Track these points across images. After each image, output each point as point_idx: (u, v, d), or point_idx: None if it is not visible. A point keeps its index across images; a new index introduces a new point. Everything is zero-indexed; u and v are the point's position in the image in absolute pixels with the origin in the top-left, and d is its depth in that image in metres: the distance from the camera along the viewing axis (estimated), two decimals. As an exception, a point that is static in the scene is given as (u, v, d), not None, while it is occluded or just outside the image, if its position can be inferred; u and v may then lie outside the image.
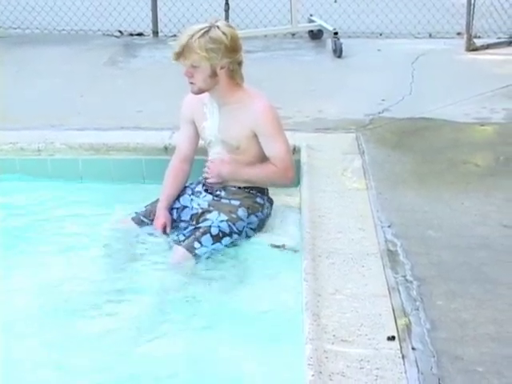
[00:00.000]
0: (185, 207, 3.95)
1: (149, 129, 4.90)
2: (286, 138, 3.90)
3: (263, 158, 3.89)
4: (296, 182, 4.09)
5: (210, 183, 3.94)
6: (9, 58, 6.81)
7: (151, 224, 3.90)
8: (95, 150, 4.58)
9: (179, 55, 3.67)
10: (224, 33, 3.65)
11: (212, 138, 3.91)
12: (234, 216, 3.78)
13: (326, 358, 2.64)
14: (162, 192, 3.96)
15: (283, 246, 3.73)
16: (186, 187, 4.02)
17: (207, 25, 3.67)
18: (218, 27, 3.66)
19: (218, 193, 3.92)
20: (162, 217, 3.88)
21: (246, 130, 3.81)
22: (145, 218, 3.92)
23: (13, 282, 3.57)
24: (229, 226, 3.75)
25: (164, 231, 3.87)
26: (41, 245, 3.90)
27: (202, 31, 3.63)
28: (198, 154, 4.06)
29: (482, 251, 3.39)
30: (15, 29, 7.86)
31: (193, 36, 3.62)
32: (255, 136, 3.82)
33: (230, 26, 3.75)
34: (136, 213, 3.96)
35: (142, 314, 3.31)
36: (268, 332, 3.12)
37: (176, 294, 3.45)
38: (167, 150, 4.46)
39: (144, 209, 3.98)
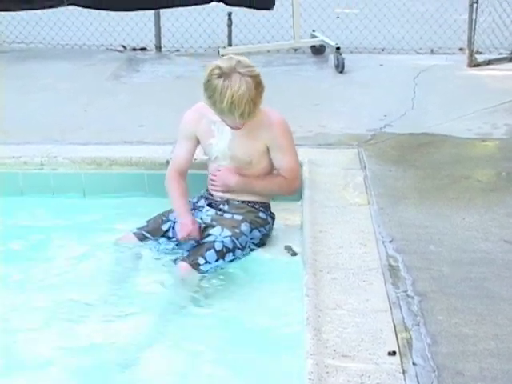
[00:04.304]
0: (186, 221, 3.95)
1: (151, 143, 4.93)
2: (295, 149, 3.97)
3: (270, 171, 3.95)
4: (298, 196, 4.11)
5: (216, 191, 3.96)
6: (12, 72, 6.84)
7: (153, 239, 3.90)
8: (98, 164, 4.59)
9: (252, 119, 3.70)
10: (257, 73, 3.65)
11: (219, 155, 3.92)
12: (237, 231, 3.80)
13: (327, 372, 2.65)
14: (176, 202, 3.89)
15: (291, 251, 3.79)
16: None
17: (238, 76, 3.58)
18: (250, 74, 3.61)
19: (221, 207, 3.93)
20: (190, 222, 3.80)
21: (260, 145, 3.86)
22: (147, 234, 3.91)
23: (15, 295, 3.59)
24: (232, 241, 3.75)
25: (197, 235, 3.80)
26: (43, 259, 3.90)
27: (249, 86, 3.59)
28: (196, 168, 4.08)
29: (484, 266, 3.40)
30: (19, 43, 7.88)
31: (250, 98, 3.59)
32: (267, 150, 3.87)
33: (246, 59, 3.71)
34: (137, 228, 3.95)
35: (144, 328, 3.32)
36: (269, 346, 3.13)
37: (179, 308, 3.46)
38: (169, 164, 4.47)
39: (146, 223, 3.97)
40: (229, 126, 3.81)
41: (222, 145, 3.89)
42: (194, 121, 3.96)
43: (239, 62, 3.65)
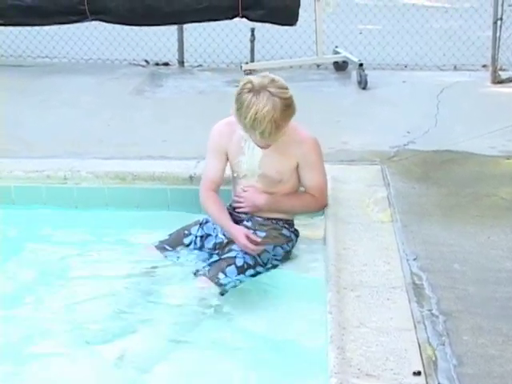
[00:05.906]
0: (208, 235, 3.94)
1: (174, 158, 4.93)
2: (325, 168, 3.97)
3: (296, 189, 3.95)
4: (320, 212, 4.10)
5: (242, 212, 3.93)
6: (36, 87, 6.89)
7: (174, 252, 3.90)
8: (121, 179, 4.60)
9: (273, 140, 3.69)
10: (288, 96, 3.63)
11: (248, 173, 3.89)
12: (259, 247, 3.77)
13: (351, 392, 2.62)
14: (218, 216, 3.83)
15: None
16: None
17: (266, 94, 3.56)
18: (280, 95, 3.58)
19: (244, 223, 3.91)
20: (239, 230, 3.77)
21: (292, 163, 3.85)
22: (168, 247, 3.91)
23: (36, 307, 3.61)
24: (253, 257, 3.73)
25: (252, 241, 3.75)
26: (65, 271, 3.92)
27: (276, 106, 3.56)
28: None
29: (509, 286, 3.36)
30: (43, 58, 7.95)
31: (273, 119, 3.56)
32: (297, 167, 3.87)
33: (281, 80, 3.70)
34: (159, 241, 3.95)
35: (162, 341, 3.32)
36: (292, 364, 3.11)
37: (198, 322, 3.45)
38: (192, 179, 4.47)
39: (168, 237, 3.97)
40: (256, 144, 3.79)
41: (252, 163, 3.86)
42: (224, 136, 3.92)
43: (273, 80, 3.64)
